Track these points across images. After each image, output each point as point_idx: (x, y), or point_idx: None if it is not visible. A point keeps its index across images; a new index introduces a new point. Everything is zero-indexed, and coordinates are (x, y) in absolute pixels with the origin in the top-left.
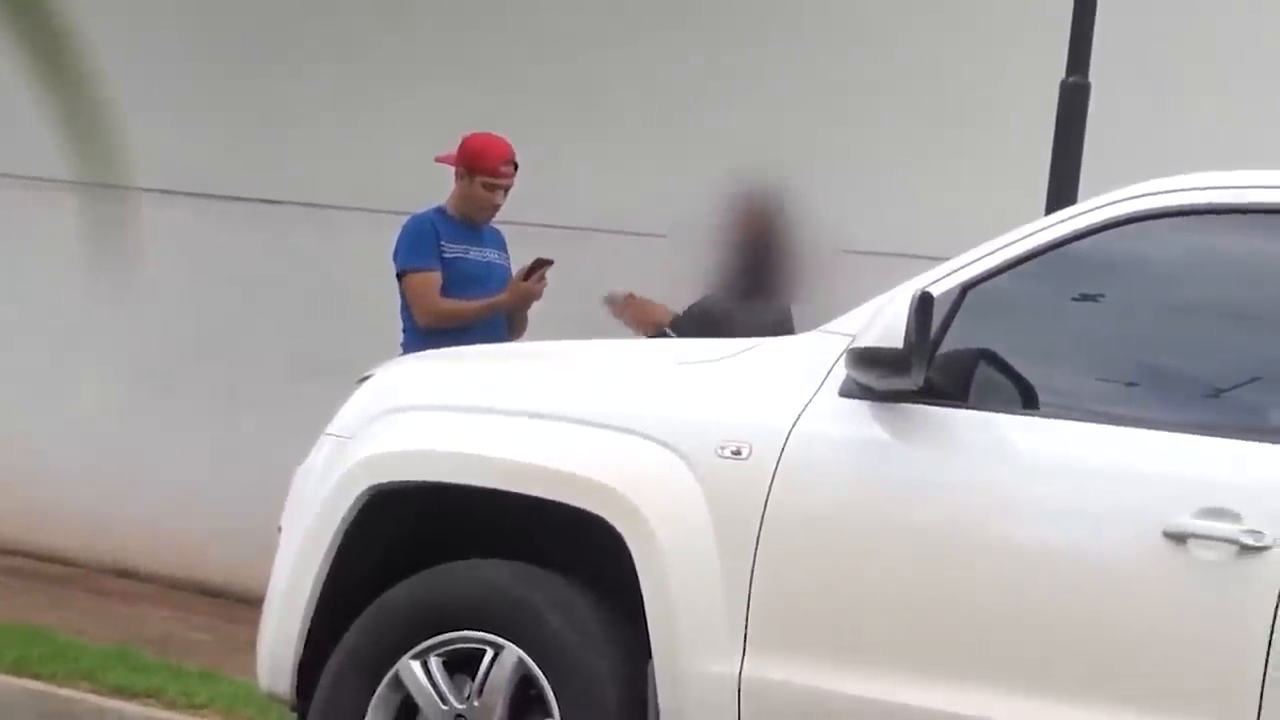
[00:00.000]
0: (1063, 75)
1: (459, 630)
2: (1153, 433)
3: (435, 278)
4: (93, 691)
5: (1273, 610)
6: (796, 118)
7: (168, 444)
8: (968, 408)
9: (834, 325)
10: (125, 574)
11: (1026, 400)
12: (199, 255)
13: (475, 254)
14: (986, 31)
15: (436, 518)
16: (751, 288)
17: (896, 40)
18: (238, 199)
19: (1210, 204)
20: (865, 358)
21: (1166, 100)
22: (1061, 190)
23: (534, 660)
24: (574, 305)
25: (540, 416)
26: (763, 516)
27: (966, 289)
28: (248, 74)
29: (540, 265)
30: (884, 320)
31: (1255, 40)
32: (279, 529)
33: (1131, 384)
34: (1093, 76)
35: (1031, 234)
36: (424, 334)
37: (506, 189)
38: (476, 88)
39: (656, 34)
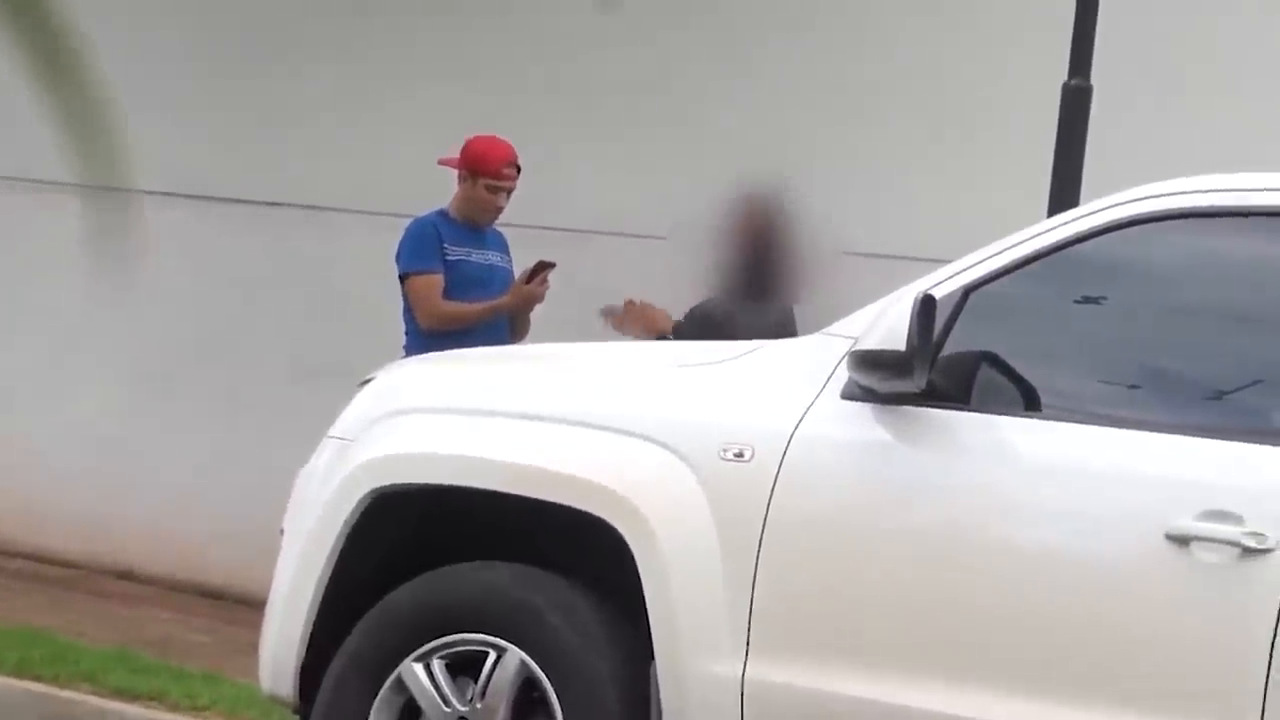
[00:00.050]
0: (1065, 77)
1: (461, 633)
2: (1155, 435)
3: (438, 280)
4: (94, 693)
5: (1275, 613)
6: (798, 120)
7: (168, 446)
8: (970, 410)
9: (836, 328)
10: (125, 576)
11: (1029, 403)
12: (199, 257)
13: (478, 256)
14: (989, 34)
15: (439, 520)
16: (753, 290)
17: (898, 42)
18: (238, 201)
19: (1213, 207)
20: (867, 360)
21: (1169, 102)
22: (1063, 193)
23: (536, 662)
24: (575, 308)
25: (542, 419)
26: (765, 519)
27: (969, 291)
28: (248, 74)
29: (542, 268)
30: (886, 323)
31: (1258, 42)
32: (281, 531)
33: (1134, 386)
34: (1095, 78)
35: (1034, 237)
36: (426, 336)
37: (509, 191)
38: (476, 88)
39: (657, 35)
